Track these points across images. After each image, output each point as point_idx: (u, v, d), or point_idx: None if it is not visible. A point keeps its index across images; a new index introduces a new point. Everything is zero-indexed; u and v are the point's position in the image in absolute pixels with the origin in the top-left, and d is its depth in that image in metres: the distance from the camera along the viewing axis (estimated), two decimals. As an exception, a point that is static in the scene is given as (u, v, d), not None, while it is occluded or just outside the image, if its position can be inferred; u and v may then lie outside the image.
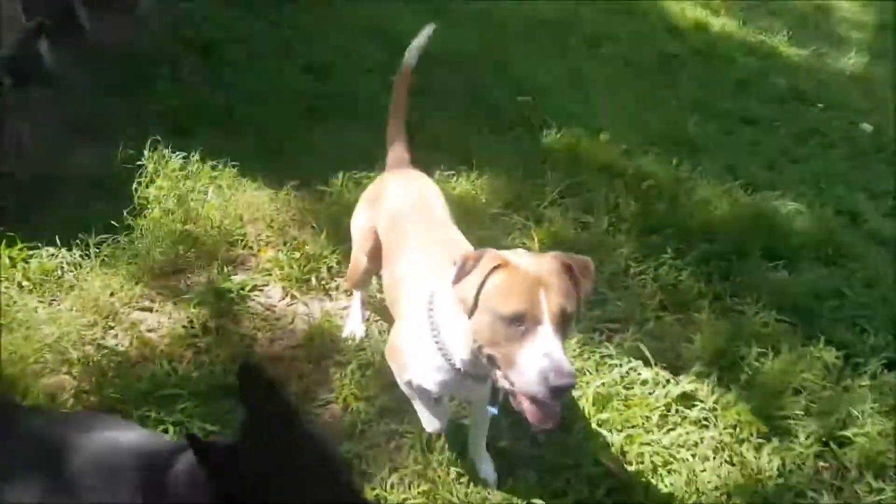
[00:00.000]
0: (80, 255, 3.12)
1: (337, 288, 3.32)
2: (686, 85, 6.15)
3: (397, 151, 2.89)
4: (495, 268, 1.82)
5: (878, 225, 4.65)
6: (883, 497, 2.84)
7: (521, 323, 1.75)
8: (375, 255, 2.70)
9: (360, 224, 2.80)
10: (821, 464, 2.97)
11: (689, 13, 7.47)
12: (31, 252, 3.08)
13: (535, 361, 1.71)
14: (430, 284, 2.15)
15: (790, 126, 5.80)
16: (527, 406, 1.81)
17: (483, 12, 6.44)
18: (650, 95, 5.86)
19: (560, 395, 1.75)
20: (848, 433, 3.06)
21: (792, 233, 4.31)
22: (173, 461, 1.59)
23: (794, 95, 6.34)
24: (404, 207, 2.57)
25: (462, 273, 1.84)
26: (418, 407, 2.43)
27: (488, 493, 2.58)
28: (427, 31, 2.92)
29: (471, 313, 1.84)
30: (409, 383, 2.30)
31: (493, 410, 2.14)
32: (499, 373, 1.84)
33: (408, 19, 5.47)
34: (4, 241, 3.03)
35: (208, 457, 1.38)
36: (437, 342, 2.07)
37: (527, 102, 5.13)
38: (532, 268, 1.82)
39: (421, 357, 2.16)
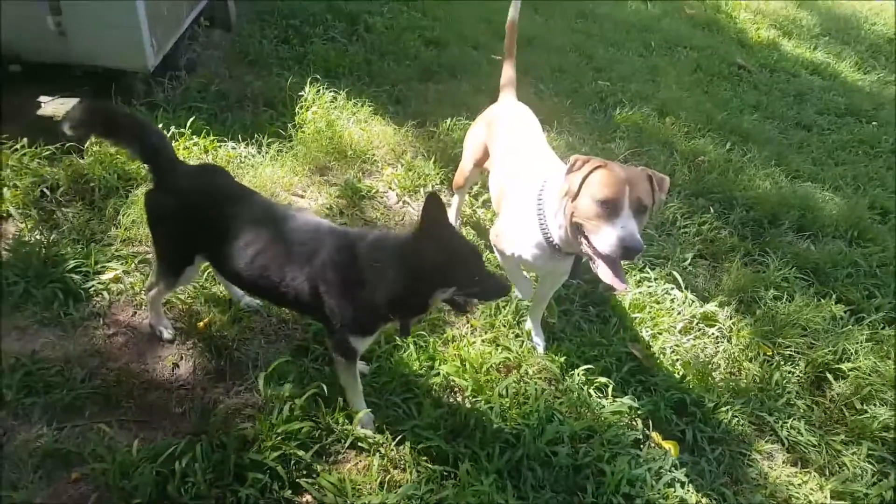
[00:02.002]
0: (255, 151, 3.84)
1: (438, 201, 3.92)
2: (749, 91, 6.41)
3: (508, 87, 3.40)
4: (597, 167, 2.35)
5: (905, 223, 4.76)
6: (865, 416, 3.12)
7: (608, 206, 2.27)
8: (481, 164, 3.27)
9: (474, 137, 3.32)
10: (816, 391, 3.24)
11: (762, 33, 7.71)
12: (219, 143, 3.80)
13: (615, 231, 2.24)
14: (540, 180, 2.64)
15: (841, 135, 5.91)
16: (603, 268, 2.32)
17: (580, 13, 6.99)
18: (715, 94, 6.16)
19: (630, 257, 2.26)
20: (843, 367, 3.34)
21: (823, 215, 4.56)
22: (359, 238, 2.18)
23: (850, 112, 6.42)
24: (516, 127, 3.08)
25: (573, 168, 2.38)
26: (514, 279, 2.96)
27: (537, 349, 3.09)
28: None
29: (574, 197, 2.37)
30: (511, 256, 2.78)
31: (573, 281, 2.63)
32: (584, 241, 2.36)
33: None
34: (204, 132, 3.78)
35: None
36: (541, 224, 2.58)
37: (606, 86, 5.62)
38: (623, 171, 2.34)
39: (525, 236, 2.66)
